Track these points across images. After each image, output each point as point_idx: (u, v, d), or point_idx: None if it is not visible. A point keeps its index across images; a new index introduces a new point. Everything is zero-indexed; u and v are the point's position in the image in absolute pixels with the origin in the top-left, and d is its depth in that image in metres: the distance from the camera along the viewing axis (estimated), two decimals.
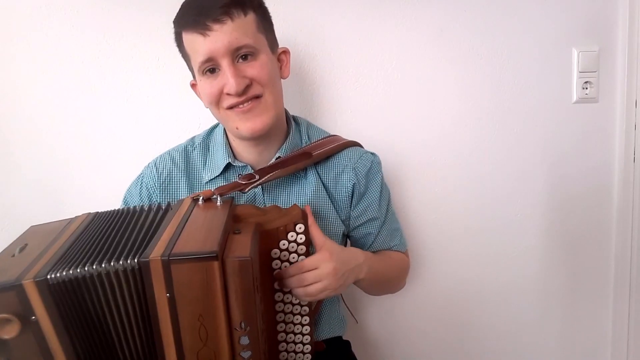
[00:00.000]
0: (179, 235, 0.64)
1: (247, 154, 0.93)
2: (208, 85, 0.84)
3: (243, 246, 0.65)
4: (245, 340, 0.64)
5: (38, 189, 1.10)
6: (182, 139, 1.10)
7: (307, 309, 0.81)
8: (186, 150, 0.96)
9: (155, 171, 0.94)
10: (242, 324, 0.63)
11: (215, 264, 0.60)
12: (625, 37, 1.28)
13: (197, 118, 1.13)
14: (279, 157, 0.91)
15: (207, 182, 0.92)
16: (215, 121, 1.01)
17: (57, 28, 1.06)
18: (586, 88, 1.29)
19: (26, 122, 1.08)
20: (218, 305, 0.61)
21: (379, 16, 1.17)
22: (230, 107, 0.85)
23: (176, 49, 1.08)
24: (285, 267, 0.77)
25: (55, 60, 1.07)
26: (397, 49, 1.19)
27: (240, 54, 0.82)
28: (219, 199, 0.77)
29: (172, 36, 1.08)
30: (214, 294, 0.61)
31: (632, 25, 1.27)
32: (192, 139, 1.00)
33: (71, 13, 1.06)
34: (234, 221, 0.73)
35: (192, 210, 0.73)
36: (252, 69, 0.83)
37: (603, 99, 1.31)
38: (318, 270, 0.75)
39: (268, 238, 0.74)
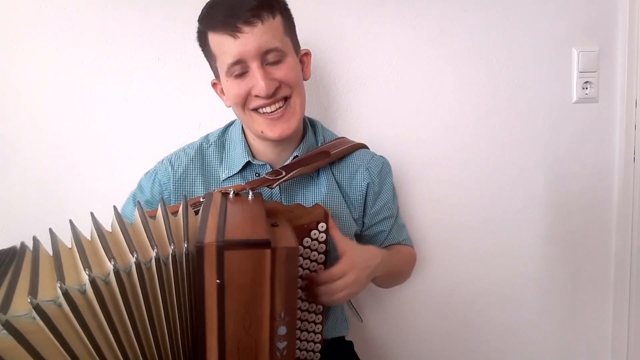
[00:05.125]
0: (225, 224, 0.64)
1: (267, 153, 0.94)
2: (235, 86, 0.84)
3: (287, 237, 0.66)
4: (282, 331, 0.64)
5: (38, 189, 1.10)
6: (181, 139, 1.10)
7: (321, 307, 0.82)
8: (201, 148, 0.96)
9: (170, 168, 0.94)
10: (282, 314, 0.63)
11: (268, 252, 0.59)
12: (625, 37, 1.28)
13: (197, 118, 1.13)
14: (297, 156, 0.93)
15: (224, 180, 0.93)
16: (226, 120, 1.01)
17: (57, 28, 1.06)
18: (586, 88, 1.29)
19: (26, 122, 1.08)
20: (265, 294, 0.61)
21: (379, 16, 1.17)
22: (256, 109, 0.85)
23: (176, 50, 1.09)
24: (309, 268, 0.78)
25: (55, 60, 1.07)
26: (398, 49, 1.19)
27: (269, 57, 0.82)
28: (250, 193, 0.77)
29: (172, 36, 1.09)
30: (263, 282, 0.60)
31: (632, 25, 1.27)
32: (207, 136, 0.99)
33: (71, 13, 1.06)
34: (266, 215, 0.73)
35: (225, 204, 0.73)
36: (280, 71, 0.83)
37: (603, 99, 1.31)
38: (344, 279, 0.77)
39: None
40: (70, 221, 0.66)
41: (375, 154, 1.01)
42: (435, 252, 1.27)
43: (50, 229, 0.65)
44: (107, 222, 0.68)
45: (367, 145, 1.03)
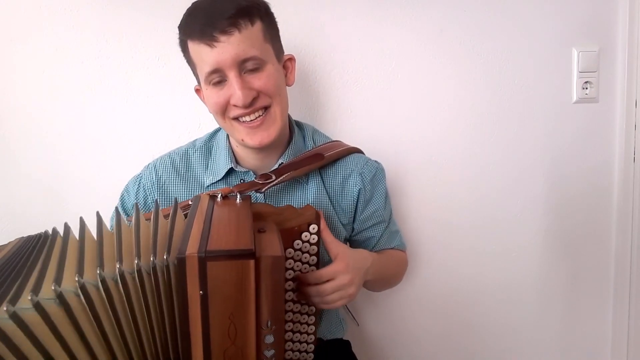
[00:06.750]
0: (209, 232, 0.63)
1: (250, 159, 0.93)
2: (214, 94, 0.83)
3: (273, 244, 0.65)
4: (270, 339, 0.64)
5: (38, 189, 1.10)
6: (182, 139, 1.10)
7: (313, 309, 0.81)
8: (187, 154, 0.96)
9: (154, 174, 0.94)
10: (269, 323, 0.63)
11: (251, 262, 0.59)
12: (625, 37, 1.28)
13: (197, 118, 1.13)
14: (282, 163, 0.91)
15: (208, 186, 0.92)
16: (216, 124, 1.01)
17: (57, 28, 1.06)
18: (586, 88, 1.29)
19: (26, 121, 1.08)
20: (250, 304, 0.60)
21: (379, 16, 1.17)
22: (236, 118, 0.85)
23: (176, 49, 1.09)
24: (300, 270, 0.78)
25: (55, 60, 1.07)
26: (397, 49, 1.19)
27: (247, 66, 0.81)
28: (238, 196, 0.77)
29: (172, 36, 1.08)
30: (247, 292, 0.60)
31: (632, 25, 1.27)
32: (194, 141, 0.99)
33: (71, 13, 1.06)
34: (254, 219, 0.73)
35: (212, 207, 0.72)
36: (259, 80, 0.82)
37: (603, 99, 1.31)
38: (336, 282, 0.76)
39: (284, 237, 0.73)
40: (81, 219, 0.66)
41: (370, 159, 1.00)
42: (435, 253, 1.27)
43: (65, 223, 0.67)
44: (107, 222, 0.68)
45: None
